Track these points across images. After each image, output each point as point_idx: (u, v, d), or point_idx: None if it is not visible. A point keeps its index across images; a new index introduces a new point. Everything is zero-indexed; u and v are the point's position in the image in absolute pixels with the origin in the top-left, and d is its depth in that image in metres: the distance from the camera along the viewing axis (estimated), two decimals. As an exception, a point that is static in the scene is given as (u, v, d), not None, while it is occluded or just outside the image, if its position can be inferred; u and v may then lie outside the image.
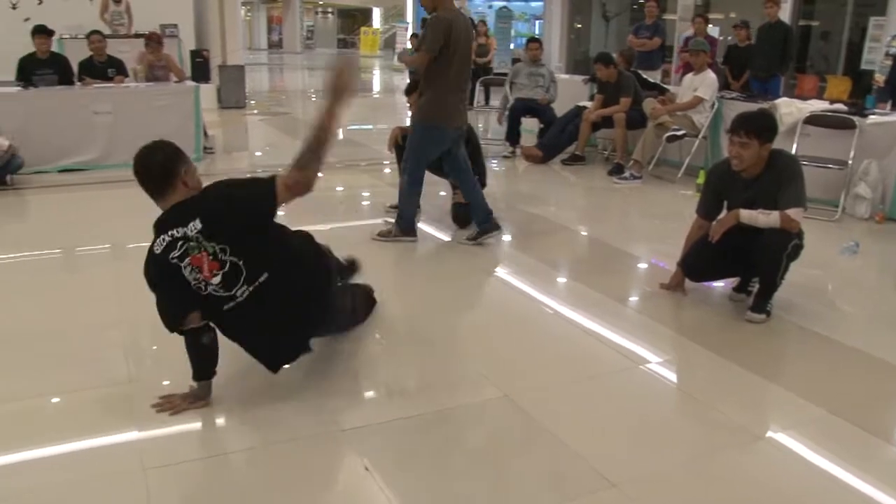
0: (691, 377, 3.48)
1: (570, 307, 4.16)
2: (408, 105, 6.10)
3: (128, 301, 4.01)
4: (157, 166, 2.81)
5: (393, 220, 5.31)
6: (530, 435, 2.85)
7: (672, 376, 3.42)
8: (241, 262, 2.80)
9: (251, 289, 2.84)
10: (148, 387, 3.10)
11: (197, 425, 2.87)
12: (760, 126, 3.81)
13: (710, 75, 7.45)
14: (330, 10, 43.35)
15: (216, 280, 2.78)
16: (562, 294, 4.47)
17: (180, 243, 2.74)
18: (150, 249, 2.79)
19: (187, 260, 2.76)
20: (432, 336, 3.74)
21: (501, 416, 2.98)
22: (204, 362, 2.92)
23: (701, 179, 6.50)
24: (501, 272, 4.76)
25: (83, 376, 3.22)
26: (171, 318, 2.83)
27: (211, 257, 2.76)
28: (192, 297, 2.81)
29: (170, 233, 2.76)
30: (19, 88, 7.53)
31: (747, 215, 3.81)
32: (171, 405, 2.92)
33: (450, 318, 4.08)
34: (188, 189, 2.83)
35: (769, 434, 2.91)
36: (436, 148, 5.12)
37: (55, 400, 3.05)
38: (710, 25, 10.81)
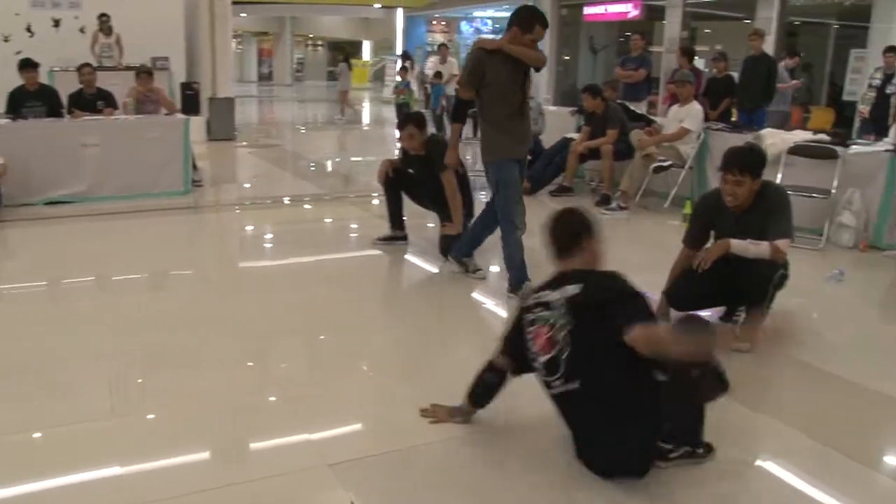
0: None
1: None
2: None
3: (113, 334, 4.00)
4: (567, 227, 2.94)
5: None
6: (520, 468, 2.83)
7: (660, 407, 3.40)
8: (563, 357, 2.70)
9: (562, 388, 2.73)
10: (132, 421, 3.08)
11: (183, 460, 2.85)
12: (753, 163, 3.86)
13: (696, 106, 7.52)
14: (320, 42, 43.67)
15: (543, 359, 2.77)
16: (550, 324, 4.46)
17: (540, 309, 2.80)
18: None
19: (534, 328, 2.81)
20: (419, 368, 3.73)
21: (489, 449, 2.97)
22: (480, 391, 3.04)
23: (688, 209, 6.54)
24: (489, 303, 4.76)
25: (69, 410, 3.20)
26: (499, 348, 3.00)
27: (548, 334, 2.74)
28: (523, 356, 2.88)
29: (543, 294, 2.84)
30: (8, 120, 7.55)
31: (738, 246, 3.82)
32: (435, 415, 3.09)
33: (438, 350, 4.08)
34: (588, 260, 2.90)
35: (758, 463, 2.90)
36: None
37: (37, 435, 3.02)
38: (696, 58, 10.94)
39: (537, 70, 4.67)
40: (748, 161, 3.86)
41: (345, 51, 31.05)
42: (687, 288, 4.12)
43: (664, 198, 7.61)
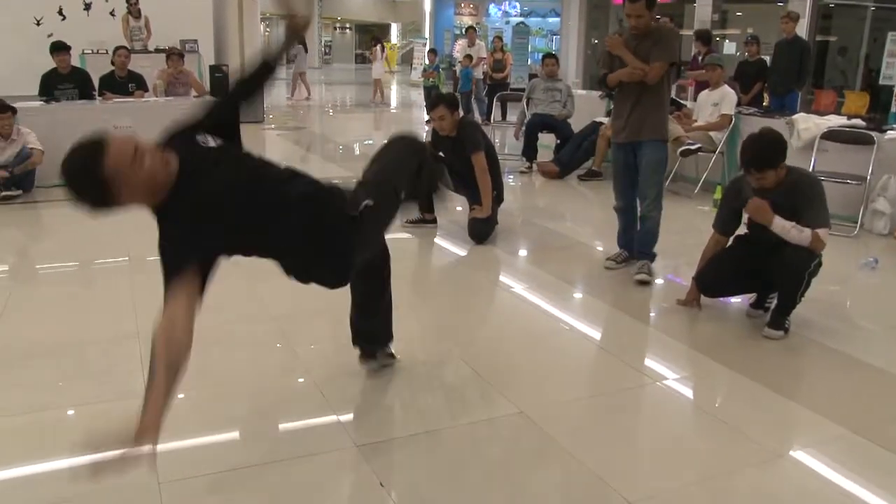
0: (708, 394, 3.45)
1: (586, 323, 4.15)
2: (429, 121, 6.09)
3: (145, 313, 4.03)
4: None
5: None
6: (546, 452, 2.83)
7: (689, 393, 3.39)
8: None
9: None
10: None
11: (212, 439, 2.89)
12: (769, 157, 3.77)
13: (728, 90, 7.43)
14: (348, 25, 43.64)
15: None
16: (578, 310, 4.45)
17: None
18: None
19: None
20: (447, 351, 3.74)
21: (517, 432, 2.97)
22: None
23: (718, 195, 6.47)
24: (518, 287, 4.75)
25: (100, 389, 3.24)
26: None
27: None
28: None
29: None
30: (42, 103, 7.64)
31: (780, 226, 3.76)
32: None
33: (465, 334, 4.07)
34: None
35: (789, 452, 2.88)
36: None
37: (71, 412, 3.07)
38: (727, 41, 10.80)
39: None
40: (763, 156, 3.77)
41: (374, 34, 31.09)
42: (717, 274, 4.10)
43: (694, 183, 7.54)
